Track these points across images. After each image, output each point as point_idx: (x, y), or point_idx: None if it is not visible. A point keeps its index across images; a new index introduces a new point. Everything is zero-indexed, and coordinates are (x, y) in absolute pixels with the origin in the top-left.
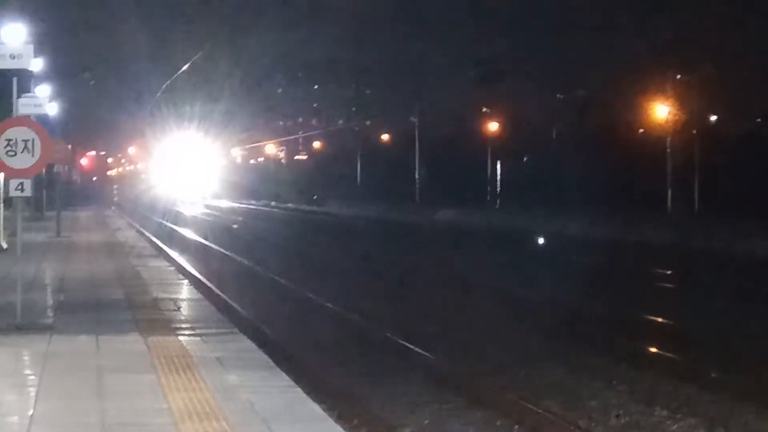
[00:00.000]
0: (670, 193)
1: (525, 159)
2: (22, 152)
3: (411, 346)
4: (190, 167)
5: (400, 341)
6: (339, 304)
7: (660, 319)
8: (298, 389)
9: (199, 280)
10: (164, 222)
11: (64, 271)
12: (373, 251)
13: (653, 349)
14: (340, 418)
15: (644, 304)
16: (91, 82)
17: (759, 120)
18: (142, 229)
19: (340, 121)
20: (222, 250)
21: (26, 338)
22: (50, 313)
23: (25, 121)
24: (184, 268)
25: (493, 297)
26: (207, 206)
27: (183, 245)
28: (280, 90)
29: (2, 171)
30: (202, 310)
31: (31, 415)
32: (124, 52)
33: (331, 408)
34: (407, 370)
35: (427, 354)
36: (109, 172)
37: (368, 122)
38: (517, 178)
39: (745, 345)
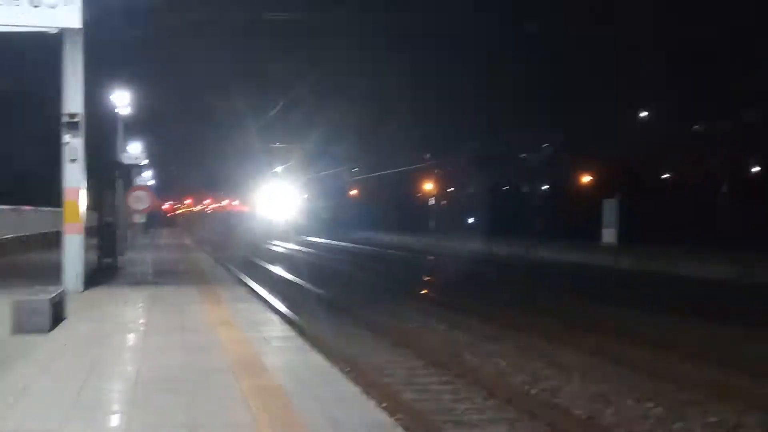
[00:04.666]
0: None
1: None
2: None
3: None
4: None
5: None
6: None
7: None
8: (286, 325)
9: None
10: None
11: (155, 258)
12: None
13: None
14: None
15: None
16: (171, 167)
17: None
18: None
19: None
20: None
21: (140, 287)
22: (151, 278)
23: (141, 187)
24: None
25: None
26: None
27: None
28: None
29: (130, 211)
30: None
31: (144, 322)
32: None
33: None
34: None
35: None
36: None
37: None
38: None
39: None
